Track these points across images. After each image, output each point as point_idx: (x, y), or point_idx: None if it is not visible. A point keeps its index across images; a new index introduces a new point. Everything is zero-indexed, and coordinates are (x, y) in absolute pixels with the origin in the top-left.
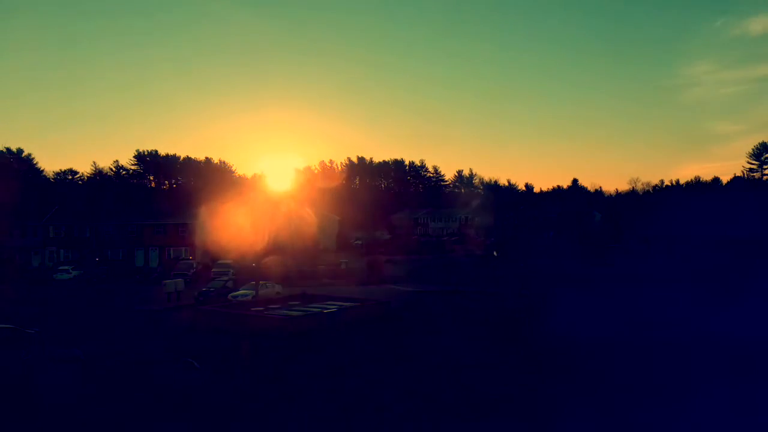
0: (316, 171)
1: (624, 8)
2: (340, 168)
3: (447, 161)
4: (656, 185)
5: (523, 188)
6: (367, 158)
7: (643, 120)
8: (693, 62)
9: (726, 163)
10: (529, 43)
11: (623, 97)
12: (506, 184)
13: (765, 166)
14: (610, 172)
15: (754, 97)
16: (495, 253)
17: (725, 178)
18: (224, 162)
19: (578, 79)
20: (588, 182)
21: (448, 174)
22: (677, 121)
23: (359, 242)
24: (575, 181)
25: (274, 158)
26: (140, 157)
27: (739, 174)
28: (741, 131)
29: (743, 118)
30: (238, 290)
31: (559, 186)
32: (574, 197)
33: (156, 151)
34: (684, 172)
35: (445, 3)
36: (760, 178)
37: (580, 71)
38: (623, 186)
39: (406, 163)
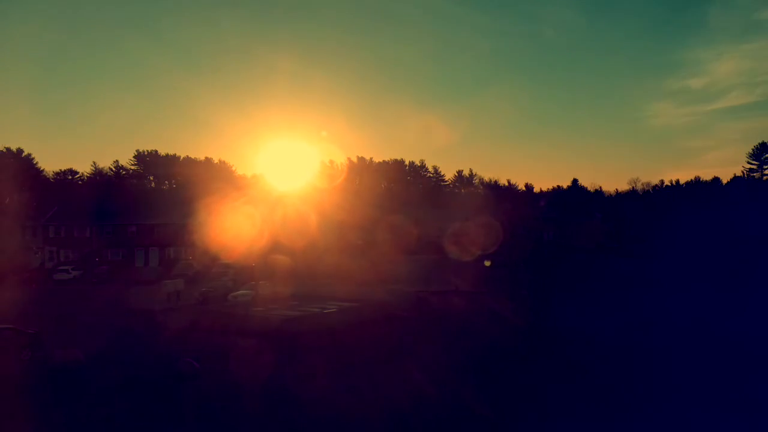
0: (316, 171)
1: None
2: (340, 168)
3: (447, 161)
4: (656, 185)
5: (523, 188)
6: (367, 158)
7: (625, 138)
8: (656, 102)
9: (706, 169)
10: (530, 43)
11: (608, 117)
12: (506, 184)
13: (765, 166)
14: (610, 172)
15: (709, 123)
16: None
17: (724, 179)
18: (224, 162)
19: (577, 81)
20: (588, 182)
21: (448, 174)
22: (653, 140)
23: (359, 242)
24: (575, 181)
25: (274, 158)
26: (140, 157)
27: (738, 174)
28: (710, 146)
29: (708, 136)
30: (238, 290)
31: (559, 186)
32: (574, 197)
33: (156, 151)
34: (671, 175)
35: (444, 3)
36: (760, 178)
37: (577, 75)
38: (623, 186)
39: (406, 163)
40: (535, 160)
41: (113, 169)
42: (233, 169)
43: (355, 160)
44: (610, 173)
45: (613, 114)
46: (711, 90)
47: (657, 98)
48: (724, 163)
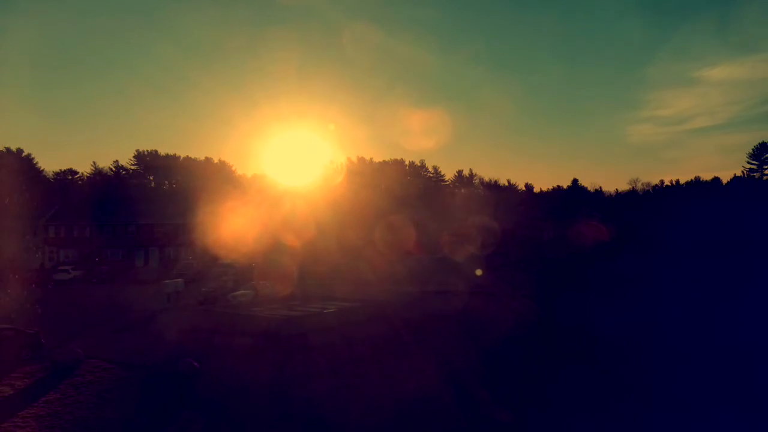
0: (316, 171)
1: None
2: (339, 167)
3: (447, 161)
4: (656, 185)
5: (523, 188)
6: (367, 158)
7: (615, 146)
8: (634, 127)
9: (689, 175)
10: (529, 43)
11: (598, 128)
12: (506, 184)
13: (765, 166)
14: (610, 173)
15: (686, 139)
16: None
17: (725, 179)
18: (224, 162)
19: (575, 82)
20: (588, 182)
21: (448, 174)
22: (638, 152)
23: (359, 242)
24: (575, 181)
25: (274, 158)
26: (140, 157)
27: (738, 173)
28: (691, 155)
29: (688, 146)
30: (238, 290)
31: (559, 186)
32: (574, 197)
33: (156, 151)
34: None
35: (443, 3)
36: (760, 178)
37: (575, 77)
38: (623, 186)
39: (406, 162)
40: (535, 160)
41: (113, 169)
42: (233, 169)
43: (354, 159)
44: (609, 174)
45: (602, 127)
46: (678, 117)
47: (633, 123)
48: (705, 169)
